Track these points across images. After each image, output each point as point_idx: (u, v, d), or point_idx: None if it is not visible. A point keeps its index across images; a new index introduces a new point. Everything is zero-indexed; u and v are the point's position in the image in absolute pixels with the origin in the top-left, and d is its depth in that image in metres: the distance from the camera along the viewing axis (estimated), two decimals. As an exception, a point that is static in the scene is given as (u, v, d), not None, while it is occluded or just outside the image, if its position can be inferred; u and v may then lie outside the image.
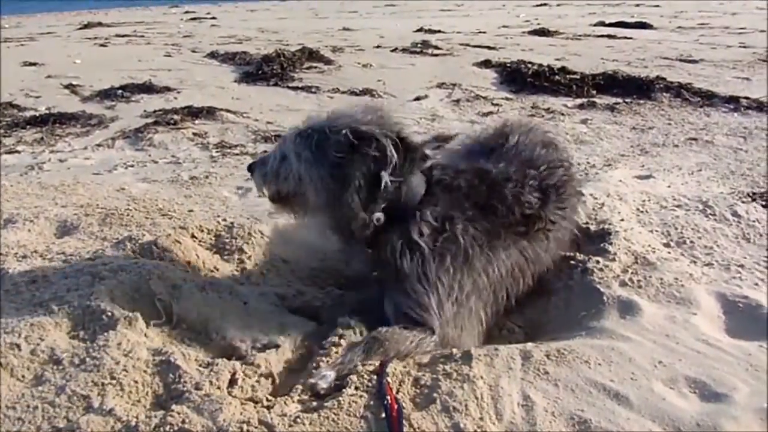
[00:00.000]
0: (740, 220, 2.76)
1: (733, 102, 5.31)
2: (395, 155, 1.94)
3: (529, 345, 1.89)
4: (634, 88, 5.80)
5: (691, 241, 2.57)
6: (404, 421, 1.51)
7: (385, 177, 1.93)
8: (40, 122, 4.95)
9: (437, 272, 1.96)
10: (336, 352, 1.86)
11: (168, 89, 6.20)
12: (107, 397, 1.58)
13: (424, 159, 2.06)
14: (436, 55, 8.41)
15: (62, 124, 4.93)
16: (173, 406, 1.55)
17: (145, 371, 1.69)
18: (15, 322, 1.82)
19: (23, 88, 6.26)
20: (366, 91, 6.08)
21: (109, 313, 1.88)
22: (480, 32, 11.27)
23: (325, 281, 2.45)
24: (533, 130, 2.49)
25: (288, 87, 6.34)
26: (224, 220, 2.81)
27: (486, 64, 7.33)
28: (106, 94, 5.93)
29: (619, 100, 5.57)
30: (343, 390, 1.66)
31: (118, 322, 1.85)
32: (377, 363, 1.77)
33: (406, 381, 1.71)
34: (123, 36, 11.52)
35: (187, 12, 19.16)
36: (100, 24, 14.55)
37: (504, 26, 12.48)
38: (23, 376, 1.67)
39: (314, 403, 1.64)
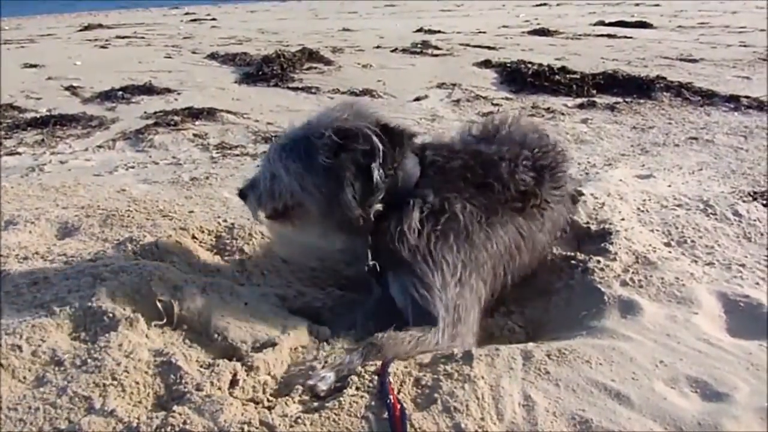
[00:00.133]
0: (741, 219, 2.76)
1: (733, 101, 5.31)
2: (381, 144, 1.94)
3: (530, 345, 1.89)
4: (634, 88, 5.80)
5: (692, 241, 2.57)
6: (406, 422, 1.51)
7: (376, 170, 1.94)
8: (40, 124, 4.95)
9: (441, 251, 1.98)
10: (335, 355, 1.86)
11: (168, 90, 6.21)
12: (109, 398, 1.58)
13: (411, 138, 2.08)
14: (436, 55, 8.41)
15: (63, 125, 4.94)
16: (174, 407, 1.55)
17: (146, 372, 1.69)
18: (16, 324, 1.83)
19: (24, 90, 6.27)
20: (366, 92, 6.08)
21: (111, 315, 1.88)
22: (480, 32, 11.27)
23: (326, 282, 2.45)
24: (522, 119, 2.55)
25: (288, 88, 6.35)
26: (225, 221, 2.81)
27: (486, 64, 7.34)
28: (106, 96, 5.94)
29: (620, 99, 5.57)
30: (344, 390, 1.66)
31: (120, 323, 1.85)
32: (378, 363, 1.77)
33: (407, 381, 1.71)
34: (123, 37, 11.54)
35: (187, 13, 19.19)
36: (100, 26, 14.57)
37: (504, 26, 12.49)
38: (25, 378, 1.67)
39: (315, 404, 1.64)
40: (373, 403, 1.60)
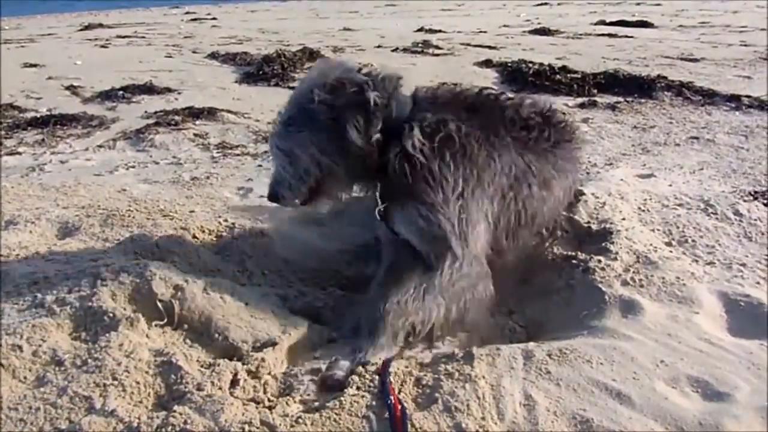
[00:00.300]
0: (742, 218, 2.76)
1: (734, 100, 5.30)
2: (371, 81, 2.03)
3: (531, 344, 1.89)
4: (635, 87, 5.79)
5: (693, 240, 2.56)
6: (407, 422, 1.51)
7: (371, 95, 2.00)
8: (41, 123, 4.94)
9: (439, 170, 2.01)
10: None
11: (169, 90, 6.21)
12: (109, 398, 1.58)
13: (399, 78, 2.16)
14: (437, 54, 8.41)
15: (63, 125, 4.93)
16: (175, 407, 1.55)
17: (146, 372, 1.69)
18: (16, 324, 1.82)
19: (24, 90, 6.27)
20: (367, 91, 6.07)
21: (111, 314, 1.88)
22: (481, 32, 11.27)
23: (327, 282, 2.44)
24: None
25: (289, 87, 6.34)
26: (225, 220, 2.81)
27: (487, 63, 7.33)
28: (107, 95, 5.94)
29: (620, 99, 5.56)
30: (345, 390, 1.66)
31: (120, 323, 1.85)
32: (379, 362, 1.78)
33: (407, 381, 1.71)
34: (124, 37, 11.54)
35: (187, 13, 19.20)
36: (100, 25, 14.57)
37: (505, 26, 12.48)
38: (25, 378, 1.67)
39: (316, 404, 1.64)
40: (373, 402, 1.60)
